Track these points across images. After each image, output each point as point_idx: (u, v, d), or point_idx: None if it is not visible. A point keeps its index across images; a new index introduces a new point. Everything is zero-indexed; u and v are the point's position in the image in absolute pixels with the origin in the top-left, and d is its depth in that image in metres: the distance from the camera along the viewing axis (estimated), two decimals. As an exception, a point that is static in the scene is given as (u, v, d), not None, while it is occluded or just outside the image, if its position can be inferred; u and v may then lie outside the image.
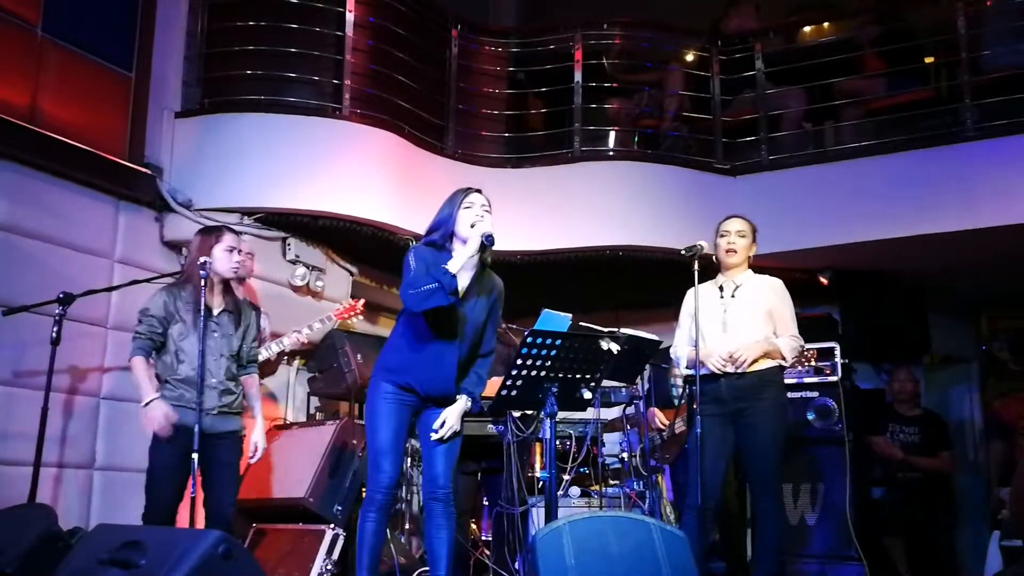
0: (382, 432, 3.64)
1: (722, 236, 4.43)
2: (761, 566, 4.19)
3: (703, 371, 4.20)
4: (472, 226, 3.63)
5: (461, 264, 3.57)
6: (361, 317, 5.64)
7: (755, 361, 4.19)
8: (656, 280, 4.63)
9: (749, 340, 4.19)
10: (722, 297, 4.35)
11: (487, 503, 5.43)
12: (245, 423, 4.28)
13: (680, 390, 5.54)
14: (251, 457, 4.22)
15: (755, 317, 4.27)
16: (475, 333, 3.74)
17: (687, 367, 4.44)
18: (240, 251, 4.26)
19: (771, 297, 4.36)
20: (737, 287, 4.34)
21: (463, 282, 3.59)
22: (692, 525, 4.07)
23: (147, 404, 3.96)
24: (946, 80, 6.38)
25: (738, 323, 4.26)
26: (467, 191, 3.77)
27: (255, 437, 4.23)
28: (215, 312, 4.16)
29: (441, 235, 3.72)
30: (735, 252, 4.38)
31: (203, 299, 3.98)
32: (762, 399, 4.19)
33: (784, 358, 4.28)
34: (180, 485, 3.93)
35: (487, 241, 3.59)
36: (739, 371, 4.17)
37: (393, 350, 3.76)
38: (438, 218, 3.77)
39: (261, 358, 4.65)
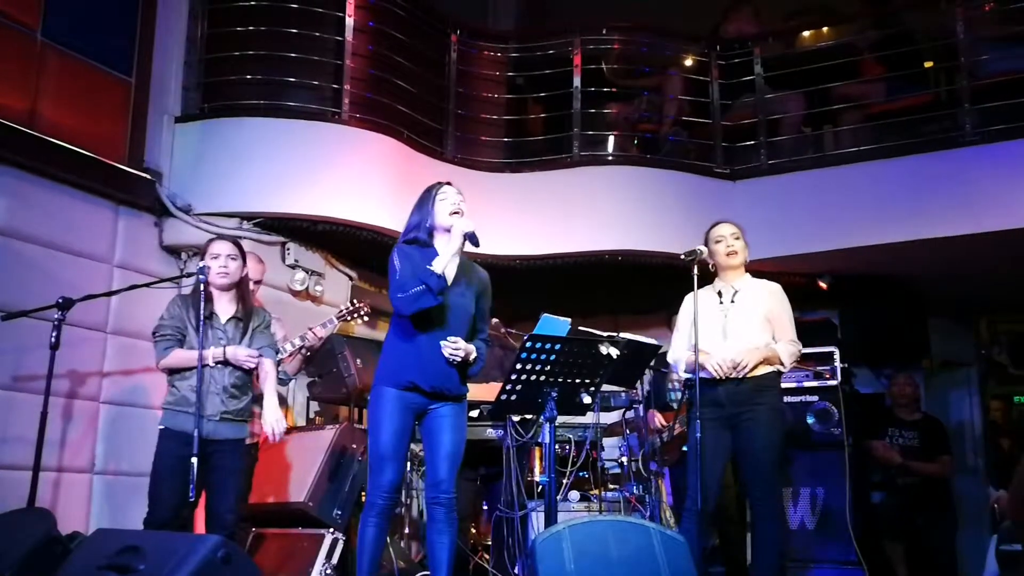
0: (384, 436, 3.63)
1: (718, 242, 4.39)
2: (762, 570, 4.18)
3: (702, 375, 4.19)
4: (453, 215, 3.72)
5: (446, 263, 3.63)
6: (366, 317, 5.60)
7: (754, 367, 4.19)
8: (655, 285, 4.62)
9: (749, 346, 4.18)
10: (721, 303, 4.33)
11: (487, 507, 5.42)
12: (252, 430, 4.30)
13: (678, 394, 5.54)
14: (270, 436, 4.17)
15: (754, 323, 4.25)
16: (465, 322, 3.76)
17: (686, 371, 4.43)
18: (228, 256, 4.18)
19: (770, 302, 4.34)
20: (736, 292, 4.33)
21: (449, 277, 3.64)
22: (691, 529, 4.07)
23: (222, 353, 4.03)
24: (945, 84, 6.39)
25: (738, 329, 4.25)
26: (438, 185, 3.83)
27: (265, 417, 4.15)
28: (222, 320, 4.18)
29: (425, 231, 3.76)
30: (736, 254, 4.36)
31: (201, 304, 4.00)
32: (760, 404, 4.18)
33: (782, 364, 4.27)
34: (181, 488, 3.91)
35: (472, 240, 3.68)
36: (738, 377, 4.16)
37: (390, 353, 3.77)
38: (416, 217, 3.83)
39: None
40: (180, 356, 4.08)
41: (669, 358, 4.52)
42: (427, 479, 3.76)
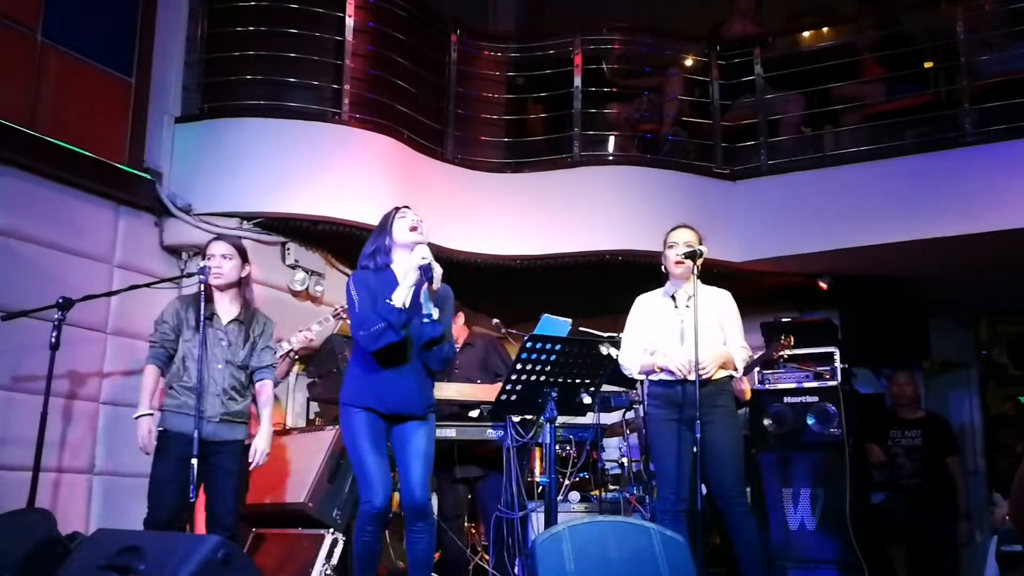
0: (361, 448, 3.64)
1: (670, 247, 4.40)
2: (750, 570, 4.17)
3: (661, 376, 4.26)
4: (412, 232, 3.68)
5: (404, 296, 3.54)
6: None
7: (714, 371, 4.22)
8: (656, 285, 4.61)
9: (708, 350, 4.19)
10: (676, 307, 4.35)
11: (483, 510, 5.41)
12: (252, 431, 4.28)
13: None
14: (250, 463, 4.18)
15: (709, 327, 4.27)
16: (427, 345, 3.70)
17: (640, 373, 4.44)
18: (221, 256, 4.18)
19: (721, 308, 4.39)
20: (690, 297, 4.32)
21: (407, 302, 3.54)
22: (678, 530, 4.07)
23: (137, 417, 4.07)
24: (945, 85, 6.39)
25: (693, 333, 4.24)
26: (395, 209, 3.80)
27: (257, 442, 4.16)
28: (224, 321, 4.18)
29: (383, 255, 3.72)
30: (683, 264, 4.33)
31: (201, 304, 4.00)
32: (717, 407, 4.21)
33: (736, 368, 4.34)
34: (181, 490, 3.91)
35: (426, 274, 3.53)
36: (699, 379, 4.16)
37: (351, 376, 3.76)
38: (374, 240, 3.79)
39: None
40: (147, 382, 4.12)
41: (621, 360, 4.46)
42: (400, 486, 3.76)
